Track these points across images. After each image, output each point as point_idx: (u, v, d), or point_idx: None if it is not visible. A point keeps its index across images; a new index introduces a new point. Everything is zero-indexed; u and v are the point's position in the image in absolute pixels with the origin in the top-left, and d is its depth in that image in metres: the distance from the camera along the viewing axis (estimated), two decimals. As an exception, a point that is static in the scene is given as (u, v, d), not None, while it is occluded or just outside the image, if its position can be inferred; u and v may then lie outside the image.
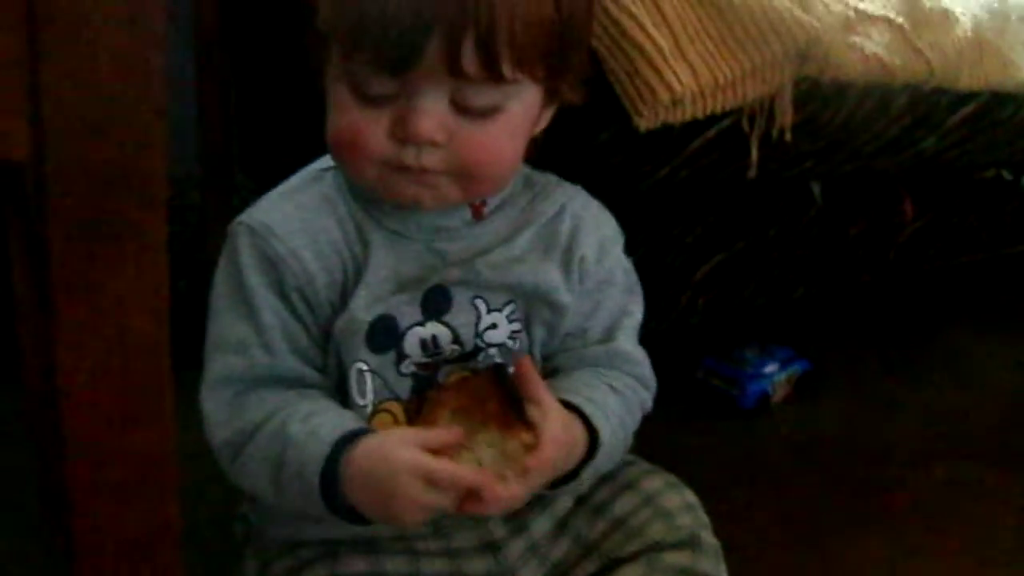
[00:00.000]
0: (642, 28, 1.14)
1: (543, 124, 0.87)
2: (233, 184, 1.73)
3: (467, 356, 0.86)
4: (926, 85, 1.45)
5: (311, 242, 0.83)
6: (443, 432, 0.78)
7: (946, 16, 1.48)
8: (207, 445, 0.83)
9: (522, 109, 0.81)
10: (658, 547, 0.89)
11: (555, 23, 0.78)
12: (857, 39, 1.34)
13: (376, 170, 0.81)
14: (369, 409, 0.84)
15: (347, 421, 0.80)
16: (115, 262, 0.50)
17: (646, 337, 0.96)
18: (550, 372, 0.90)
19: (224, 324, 0.83)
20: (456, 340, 0.85)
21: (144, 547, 0.55)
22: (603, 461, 0.87)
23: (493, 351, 0.87)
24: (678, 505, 0.91)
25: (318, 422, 0.79)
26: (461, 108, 0.78)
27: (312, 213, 0.85)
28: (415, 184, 0.81)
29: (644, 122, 1.16)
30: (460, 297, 0.85)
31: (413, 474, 0.74)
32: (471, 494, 0.75)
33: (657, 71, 1.14)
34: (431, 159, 0.79)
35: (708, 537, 0.91)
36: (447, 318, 0.85)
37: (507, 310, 0.87)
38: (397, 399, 0.85)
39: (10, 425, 1.11)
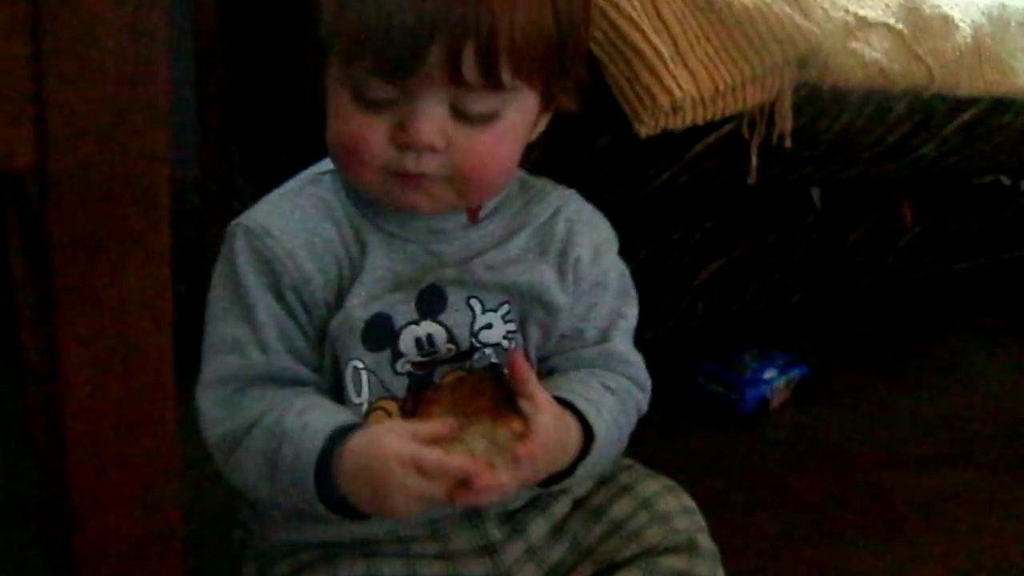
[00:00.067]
0: (642, 34, 1.14)
1: (539, 130, 0.88)
2: (232, 188, 1.73)
3: (463, 356, 0.87)
4: (926, 91, 1.45)
5: (307, 243, 0.84)
6: (436, 424, 0.79)
7: (946, 23, 1.49)
8: (206, 451, 0.84)
9: (519, 116, 0.82)
10: (655, 551, 0.89)
11: (553, 33, 0.79)
12: (857, 45, 1.35)
13: (376, 175, 0.81)
14: (365, 407, 0.84)
15: (341, 415, 0.81)
16: (118, 270, 0.50)
17: (646, 342, 0.96)
18: (546, 373, 0.90)
19: (220, 324, 0.84)
20: (451, 339, 0.86)
21: (146, 554, 0.55)
22: (598, 458, 0.87)
23: (489, 351, 0.87)
24: (675, 509, 0.91)
25: (312, 417, 0.79)
26: (460, 114, 0.79)
27: (309, 215, 0.85)
28: (413, 191, 0.82)
29: (644, 128, 1.16)
30: (455, 297, 0.86)
31: (404, 463, 0.74)
32: (462, 484, 0.75)
33: (657, 77, 1.14)
34: (430, 164, 0.80)
35: (705, 541, 0.91)
36: (442, 317, 0.86)
37: (502, 310, 0.88)
38: (393, 398, 0.85)
39: (11, 430, 1.11)
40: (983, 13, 1.57)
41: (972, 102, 1.55)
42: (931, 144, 1.60)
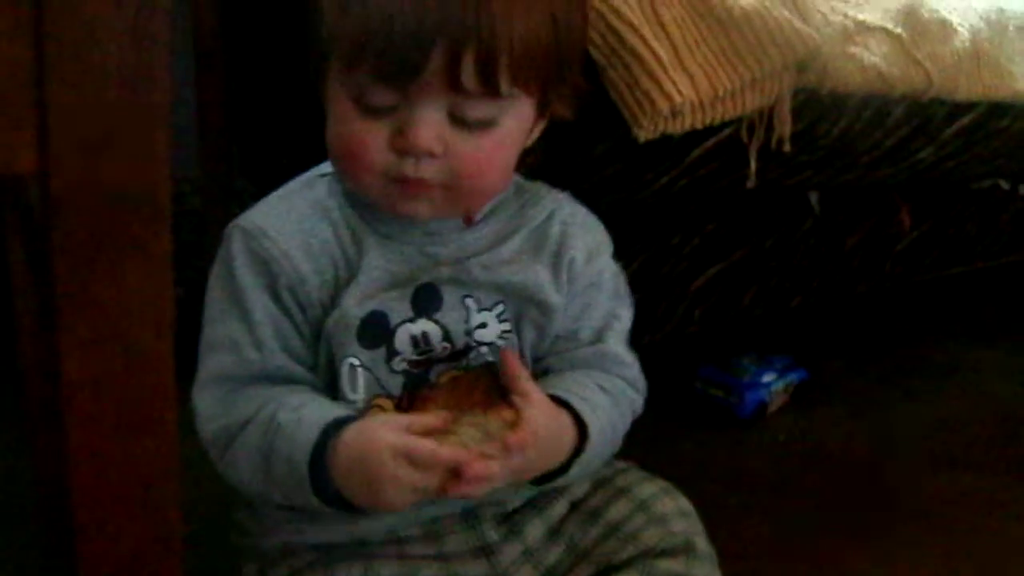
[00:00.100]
0: (642, 39, 1.15)
1: (535, 136, 0.89)
2: (232, 190, 1.73)
3: (458, 355, 0.87)
4: (924, 96, 1.45)
5: (303, 243, 0.85)
6: (428, 416, 0.80)
7: (944, 27, 1.49)
8: (204, 453, 0.84)
9: (516, 123, 0.83)
10: (652, 553, 0.89)
11: (551, 42, 0.80)
12: (856, 50, 1.35)
13: (376, 180, 0.82)
14: (360, 405, 0.85)
15: (336, 410, 0.82)
16: (119, 275, 0.50)
17: (644, 346, 0.97)
18: (541, 374, 0.91)
19: (217, 323, 0.85)
20: (447, 338, 0.87)
21: (147, 556, 0.55)
22: (593, 457, 0.88)
23: (484, 350, 0.88)
24: (672, 511, 0.92)
25: (307, 411, 0.80)
26: (458, 121, 0.80)
27: (305, 216, 0.86)
28: (412, 199, 0.83)
29: (643, 132, 1.16)
30: (450, 296, 0.87)
31: (396, 454, 0.76)
32: (454, 475, 0.76)
33: (656, 81, 1.14)
34: (429, 170, 0.81)
35: (703, 544, 0.92)
36: (437, 316, 0.86)
37: (497, 310, 0.88)
38: (389, 395, 0.86)
39: (11, 431, 1.12)
40: (981, 17, 1.57)
41: (970, 106, 1.55)
42: (929, 148, 1.60)
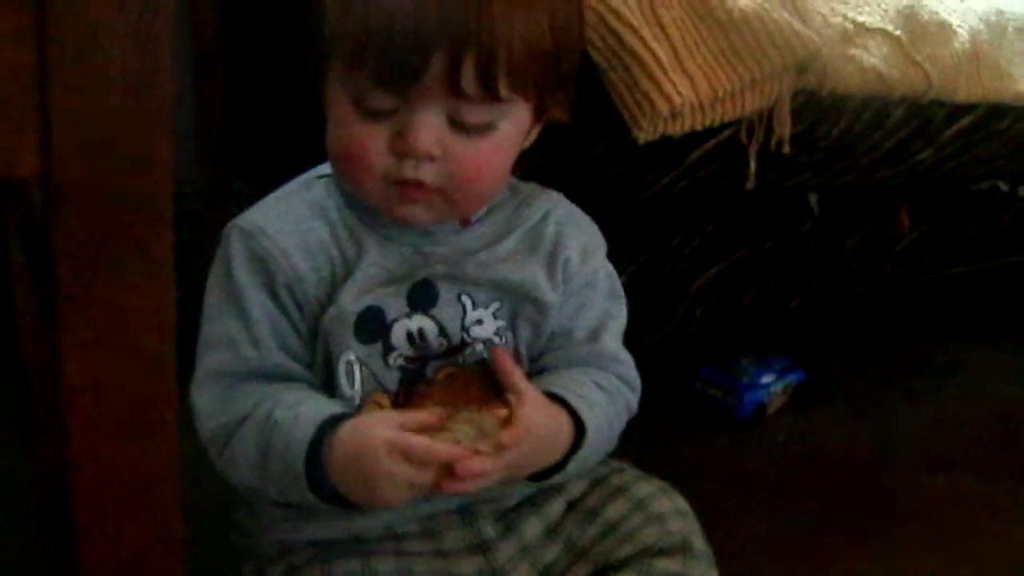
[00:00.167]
0: (642, 40, 1.15)
1: (531, 139, 0.90)
2: (231, 191, 1.73)
3: (454, 351, 0.88)
4: (923, 97, 1.45)
5: (301, 242, 0.86)
6: (423, 413, 0.81)
7: (944, 29, 1.49)
8: (204, 452, 0.85)
9: (514, 127, 0.84)
10: (650, 552, 0.89)
11: (549, 48, 0.81)
12: (855, 52, 1.35)
13: (376, 183, 0.83)
14: (357, 400, 0.86)
15: (332, 407, 0.82)
16: (120, 277, 0.50)
17: (644, 346, 0.97)
18: (537, 372, 0.92)
19: (215, 321, 0.86)
20: (443, 334, 0.87)
21: (147, 558, 0.55)
22: (589, 453, 0.88)
23: (480, 347, 0.89)
24: (669, 510, 0.92)
25: (303, 409, 0.81)
26: (457, 124, 0.81)
27: (303, 216, 0.87)
28: (411, 204, 0.84)
29: (643, 134, 1.16)
30: (446, 292, 0.88)
31: (391, 450, 0.76)
32: (449, 471, 0.76)
33: (656, 83, 1.15)
34: (428, 172, 0.81)
35: (699, 543, 0.92)
36: (433, 312, 0.87)
37: (492, 307, 0.89)
38: (385, 391, 0.87)
39: (11, 432, 1.12)
40: (981, 19, 1.57)
41: (970, 108, 1.56)
42: (929, 150, 1.60)
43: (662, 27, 1.17)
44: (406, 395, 0.87)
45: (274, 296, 0.85)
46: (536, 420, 0.81)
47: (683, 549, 0.90)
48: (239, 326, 0.84)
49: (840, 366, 1.91)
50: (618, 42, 1.14)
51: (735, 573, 0.97)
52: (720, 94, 1.19)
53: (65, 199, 0.48)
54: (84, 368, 0.50)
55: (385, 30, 0.76)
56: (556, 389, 0.87)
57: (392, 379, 0.87)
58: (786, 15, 1.24)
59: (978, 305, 2.28)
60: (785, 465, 1.53)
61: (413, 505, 0.86)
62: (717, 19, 1.21)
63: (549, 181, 0.97)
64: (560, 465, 0.87)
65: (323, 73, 0.83)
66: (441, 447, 0.77)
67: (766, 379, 1.67)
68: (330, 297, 0.85)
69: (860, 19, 1.38)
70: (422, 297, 0.87)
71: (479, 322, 0.88)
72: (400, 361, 0.87)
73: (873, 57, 1.37)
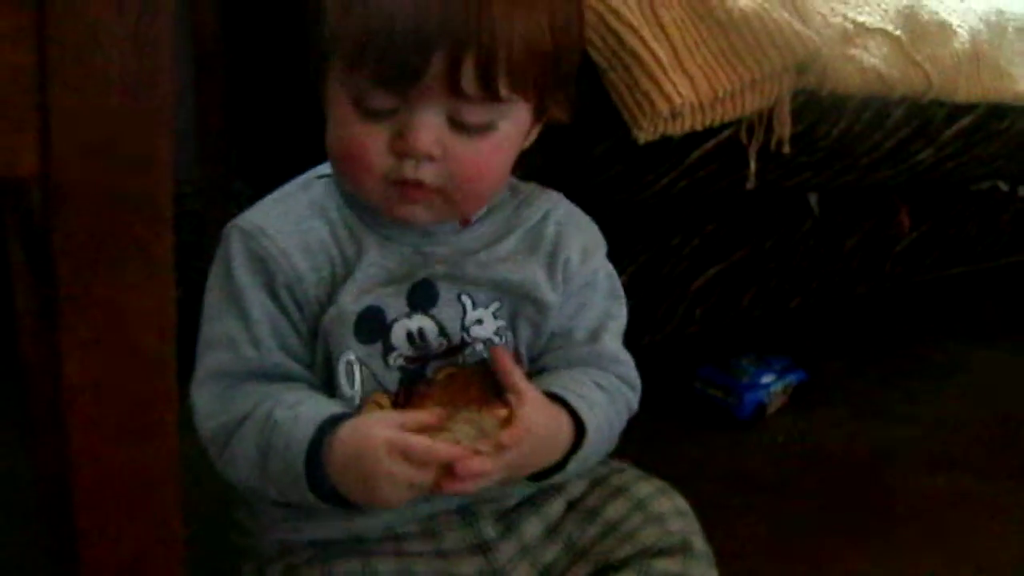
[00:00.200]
0: (642, 40, 1.15)
1: (531, 140, 0.90)
2: (230, 191, 1.73)
3: (454, 350, 0.88)
4: (923, 97, 1.45)
5: (301, 242, 0.86)
6: (423, 413, 0.81)
7: (944, 29, 1.49)
8: (203, 453, 0.85)
9: (513, 127, 0.84)
10: (649, 552, 0.89)
11: (549, 48, 0.81)
12: (855, 52, 1.35)
13: (376, 183, 0.83)
14: (357, 400, 0.86)
15: (332, 407, 0.82)
16: (121, 277, 0.50)
17: (644, 346, 0.97)
18: (537, 372, 0.92)
19: (215, 321, 0.86)
20: (443, 334, 0.87)
21: (148, 559, 0.55)
22: (590, 453, 0.88)
23: (480, 347, 0.89)
24: (669, 510, 0.92)
25: (303, 409, 0.81)
26: (457, 124, 0.81)
27: (303, 216, 0.87)
28: (411, 204, 0.84)
29: (643, 134, 1.16)
30: (446, 292, 0.88)
31: (391, 450, 0.76)
32: (448, 472, 0.77)
33: (656, 83, 1.15)
34: (427, 173, 0.81)
35: (699, 543, 0.92)
36: (433, 311, 0.87)
37: (492, 307, 0.89)
38: (385, 391, 0.87)
39: (11, 432, 1.12)
40: (981, 19, 1.57)
41: (970, 108, 1.56)
42: (929, 150, 1.60)
43: (662, 27, 1.17)
44: (406, 395, 0.87)
45: (274, 296, 0.85)
46: (536, 420, 0.82)
47: (683, 549, 0.90)
48: (239, 326, 0.84)
49: (840, 366, 1.91)
50: (618, 42, 1.14)
51: (735, 573, 0.97)
52: (720, 94, 1.19)
53: (65, 199, 0.48)
54: (84, 368, 0.50)
55: (386, 30, 0.76)
56: (556, 389, 0.87)
57: (392, 379, 0.87)
58: (786, 15, 1.24)
59: (978, 305, 2.28)
60: (785, 465, 1.53)
61: (413, 505, 0.86)
62: (717, 19, 1.21)
63: (549, 181, 0.97)
64: (560, 465, 0.87)
65: (323, 73, 0.83)
66: (441, 447, 0.77)
67: (766, 379, 1.67)
68: (330, 297, 0.85)
69: (860, 19, 1.38)
70: (422, 297, 0.87)
71: (479, 322, 0.89)
72: (400, 361, 0.87)
73: (873, 57, 1.37)
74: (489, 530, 0.91)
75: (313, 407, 0.81)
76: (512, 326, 0.90)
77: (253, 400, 0.83)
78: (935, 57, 1.45)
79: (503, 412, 0.81)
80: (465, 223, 0.90)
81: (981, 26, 1.56)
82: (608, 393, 0.91)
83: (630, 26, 1.14)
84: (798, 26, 1.24)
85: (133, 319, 0.50)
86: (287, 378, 0.85)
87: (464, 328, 0.88)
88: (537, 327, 0.91)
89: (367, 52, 0.77)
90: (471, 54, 0.76)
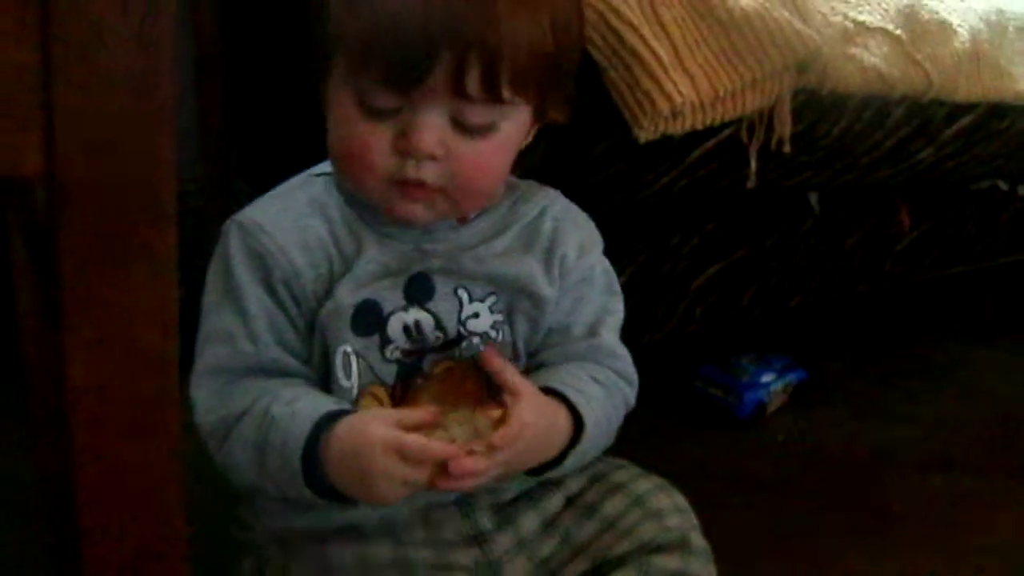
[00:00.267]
0: (642, 39, 1.15)
1: (529, 140, 0.90)
2: (231, 190, 1.73)
3: (451, 344, 0.89)
4: (924, 96, 1.45)
5: (299, 239, 0.86)
6: (419, 411, 0.81)
7: (944, 28, 1.49)
8: (204, 450, 0.85)
9: (514, 128, 0.85)
10: (648, 548, 0.90)
11: (551, 51, 0.82)
12: (856, 51, 1.35)
13: (379, 183, 0.84)
14: (355, 392, 0.86)
15: (329, 403, 0.83)
16: (124, 277, 0.50)
17: (644, 345, 0.97)
18: (535, 368, 0.92)
19: (213, 316, 0.86)
20: (439, 327, 0.88)
21: (151, 558, 0.55)
22: (588, 448, 0.89)
23: (476, 340, 0.89)
24: (668, 507, 0.92)
25: (300, 405, 0.82)
26: (459, 125, 0.82)
27: (302, 213, 0.88)
28: (412, 203, 0.84)
29: (644, 133, 1.16)
30: (443, 286, 0.88)
31: (386, 448, 0.77)
32: (443, 470, 0.77)
33: (657, 82, 1.15)
34: (429, 172, 0.82)
35: (698, 539, 0.92)
36: (430, 304, 0.88)
37: (489, 301, 0.90)
38: (382, 384, 0.87)
39: (11, 432, 1.12)
40: (981, 19, 1.57)
41: (970, 107, 1.56)
42: (929, 149, 1.60)
43: (662, 26, 1.17)
44: (403, 388, 0.87)
45: (272, 292, 0.85)
46: (531, 418, 0.82)
47: (681, 545, 0.91)
48: (237, 321, 0.85)
49: (840, 366, 1.91)
50: (618, 41, 1.14)
51: (735, 572, 0.97)
52: (721, 93, 1.19)
53: (69, 198, 0.48)
54: (87, 368, 0.50)
55: (392, 31, 0.77)
56: (554, 384, 0.87)
57: (389, 372, 0.87)
58: (786, 14, 1.24)
59: (978, 305, 2.28)
60: (785, 464, 1.53)
61: (409, 499, 0.86)
62: (718, 18, 1.21)
63: (549, 180, 0.98)
64: (558, 460, 0.87)
65: (325, 73, 0.84)
66: (436, 446, 0.78)
67: (766, 378, 1.67)
68: (327, 292, 0.86)
69: (860, 18, 1.38)
70: (418, 290, 0.88)
71: (476, 316, 0.89)
72: (397, 354, 0.87)
73: (873, 56, 1.37)
74: (485, 521, 0.91)
75: (310, 403, 0.82)
76: (509, 321, 0.91)
77: (251, 396, 0.83)
78: (935, 56, 1.45)
79: (497, 413, 0.81)
80: (463, 220, 0.91)
81: (981, 25, 1.56)
82: (605, 388, 0.92)
83: (630, 24, 1.14)
84: (799, 25, 1.24)
85: (137, 318, 0.50)
86: (284, 373, 0.86)
87: (461, 322, 0.88)
88: (534, 322, 0.91)
89: (372, 52, 0.77)
90: (476, 56, 0.77)
